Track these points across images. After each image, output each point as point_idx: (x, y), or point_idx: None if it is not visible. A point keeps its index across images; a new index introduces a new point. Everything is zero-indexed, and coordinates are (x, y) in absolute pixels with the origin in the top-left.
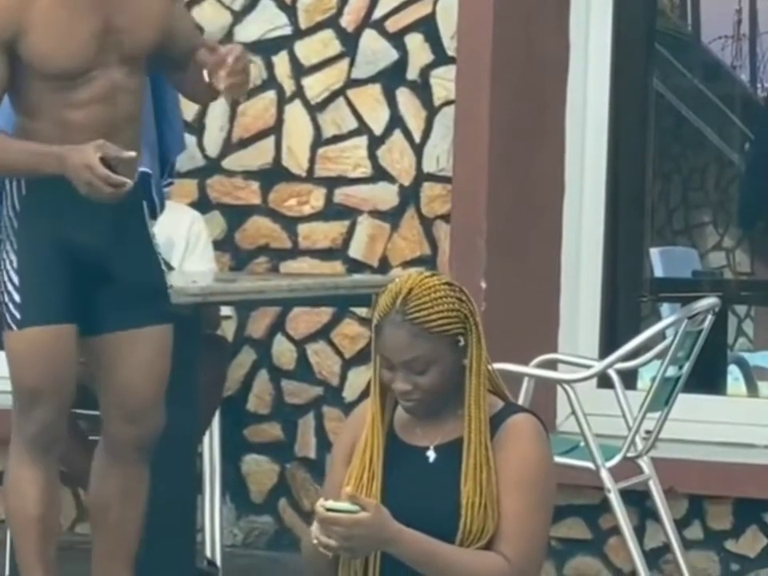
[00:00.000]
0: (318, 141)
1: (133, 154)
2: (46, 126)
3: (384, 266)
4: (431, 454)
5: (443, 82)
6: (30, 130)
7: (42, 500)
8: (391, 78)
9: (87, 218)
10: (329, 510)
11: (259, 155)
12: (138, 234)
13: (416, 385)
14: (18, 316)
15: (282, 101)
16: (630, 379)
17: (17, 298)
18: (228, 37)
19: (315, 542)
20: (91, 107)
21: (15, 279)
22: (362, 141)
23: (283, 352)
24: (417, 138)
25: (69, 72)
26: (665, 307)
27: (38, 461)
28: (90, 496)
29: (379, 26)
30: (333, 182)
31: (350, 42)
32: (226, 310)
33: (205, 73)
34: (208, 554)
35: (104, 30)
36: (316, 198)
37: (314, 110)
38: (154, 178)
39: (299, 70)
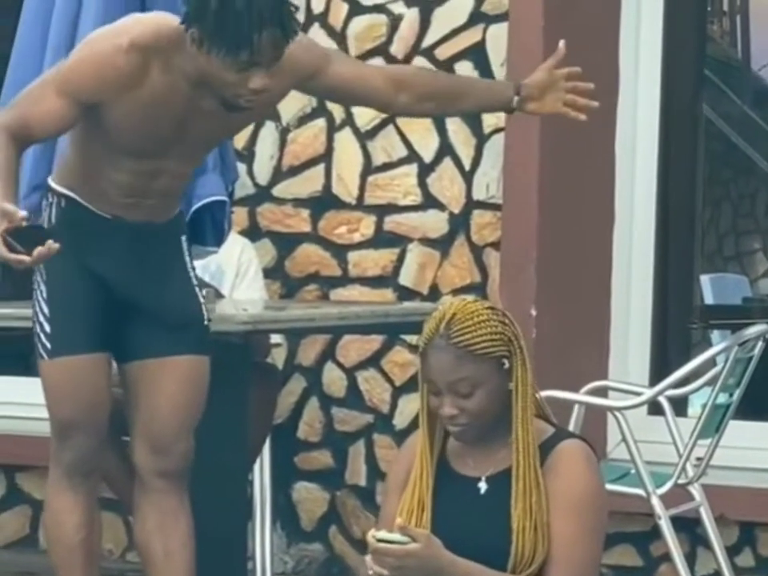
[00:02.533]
0: (368, 168)
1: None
2: (86, 164)
3: (434, 293)
4: (482, 486)
5: None
6: (72, 159)
7: (81, 525)
8: None
9: (115, 252)
10: (380, 540)
11: (309, 183)
12: (171, 266)
13: (463, 409)
14: (48, 346)
15: (332, 128)
16: (680, 406)
17: (47, 328)
18: None
19: (371, 572)
20: (134, 176)
21: (45, 309)
22: (412, 168)
23: (333, 380)
24: (467, 166)
25: (130, 153)
26: (715, 334)
27: (76, 487)
28: (134, 535)
29: (429, 53)
30: (383, 210)
31: None
32: (276, 338)
33: None
34: None
35: (182, 135)
36: (366, 226)
37: (364, 137)
38: (227, 205)
39: None
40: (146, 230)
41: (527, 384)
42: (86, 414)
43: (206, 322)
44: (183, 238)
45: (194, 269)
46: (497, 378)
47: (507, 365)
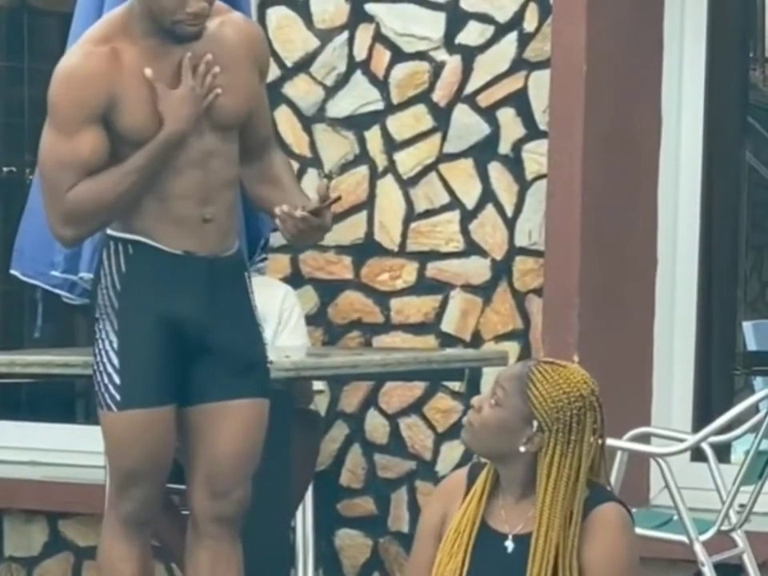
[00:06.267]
0: (410, 215)
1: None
2: (144, 200)
3: (476, 340)
4: (509, 544)
5: (535, 156)
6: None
7: (136, 574)
8: (483, 152)
9: (189, 291)
10: None
11: (351, 230)
12: (240, 305)
13: (480, 409)
14: (118, 398)
15: (374, 176)
16: (723, 453)
17: (117, 379)
18: (320, 112)
19: None
20: (187, 173)
21: (115, 361)
22: (454, 215)
23: (376, 426)
24: (509, 212)
25: None
26: (758, 380)
27: (132, 537)
28: None
29: (471, 100)
30: (425, 257)
31: (441, 117)
32: (318, 385)
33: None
34: None
35: None
36: (408, 273)
37: (406, 184)
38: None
39: (391, 145)
40: (215, 265)
41: (561, 471)
42: (149, 466)
43: (268, 364)
44: (246, 274)
45: (256, 308)
46: (517, 425)
47: (534, 429)
